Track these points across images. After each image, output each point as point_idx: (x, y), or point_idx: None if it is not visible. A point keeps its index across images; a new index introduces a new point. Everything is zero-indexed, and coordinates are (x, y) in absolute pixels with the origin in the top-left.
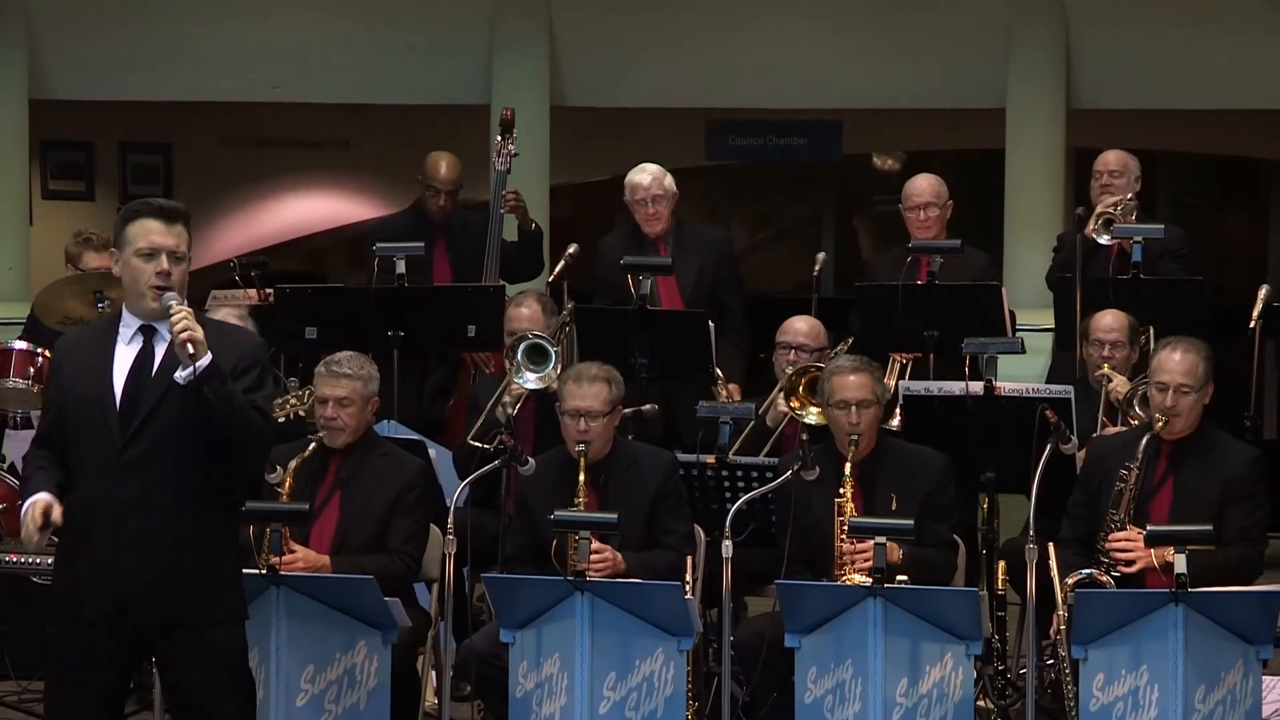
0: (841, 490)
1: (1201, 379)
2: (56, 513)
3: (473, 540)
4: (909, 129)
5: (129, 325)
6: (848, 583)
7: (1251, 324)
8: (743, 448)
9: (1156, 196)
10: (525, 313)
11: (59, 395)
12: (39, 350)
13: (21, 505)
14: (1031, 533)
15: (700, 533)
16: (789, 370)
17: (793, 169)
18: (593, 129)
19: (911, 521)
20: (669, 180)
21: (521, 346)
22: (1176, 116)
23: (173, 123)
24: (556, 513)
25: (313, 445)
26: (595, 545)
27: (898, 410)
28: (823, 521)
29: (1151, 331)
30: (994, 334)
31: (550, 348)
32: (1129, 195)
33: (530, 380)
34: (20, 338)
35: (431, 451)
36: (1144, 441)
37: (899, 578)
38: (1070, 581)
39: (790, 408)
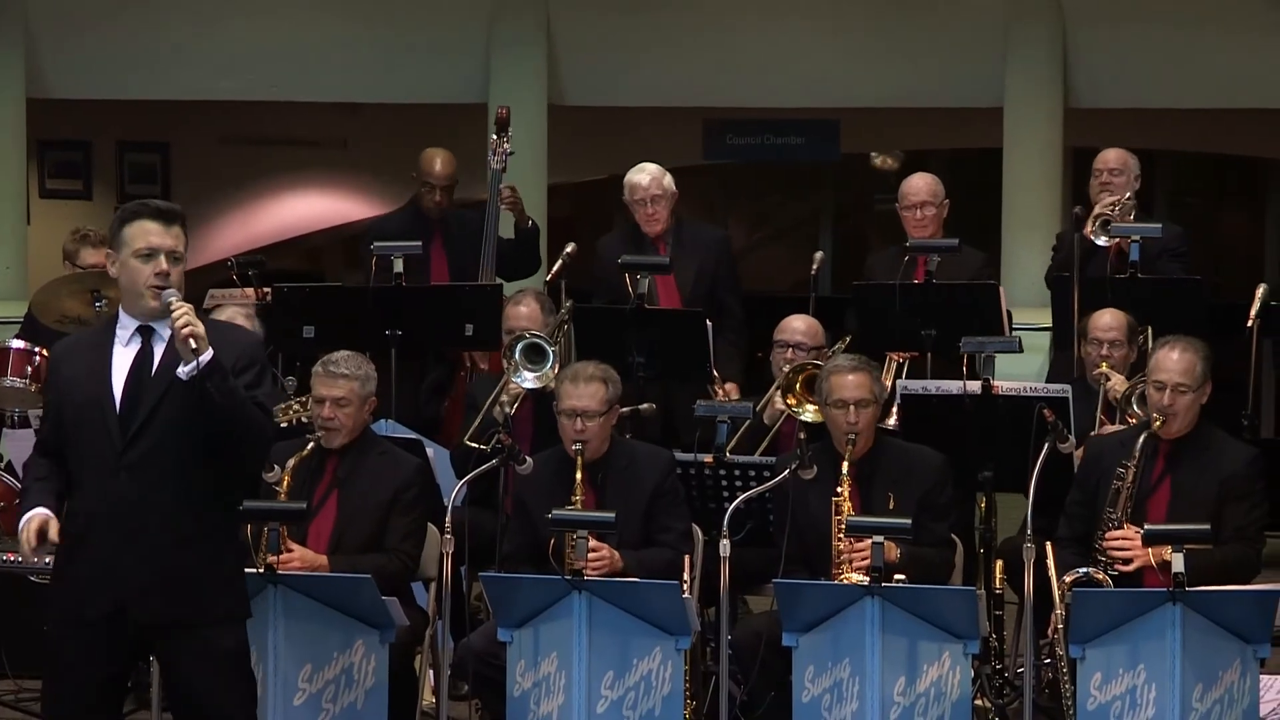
0: (839, 489)
1: (1199, 378)
2: (53, 530)
3: (470, 539)
4: (907, 128)
5: (126, 327)
6: (845, 582)
7: (1249, 323)
8: (740, 446)
9: (1154, 195)
10: (524, 311)
11: (57, 399)
12: (36, 349)
13: (20, 516)
14: (1029, 532)
15: (698, 532)
16: (786, 369)
17: (790, 168)
18: (591, 128)
19: (909, 521)
20: (668, 180)
21: (520, 346)
22: (1174, 115)
23: (170, 122)
24: (554, 512)
25: (311, 445)
26: (593, 544)
27: (894, 409)
28: (820, 520)
29: (1150, 331)
30: (991, 333)
31: (548, 347)
32: (1128, 194)
33: (528, 380)
34: (17, 336)
35: (429, 450)
36: (1141, 440)
37: (896, 577)
38: (1068, 580)
39: (787, 405)
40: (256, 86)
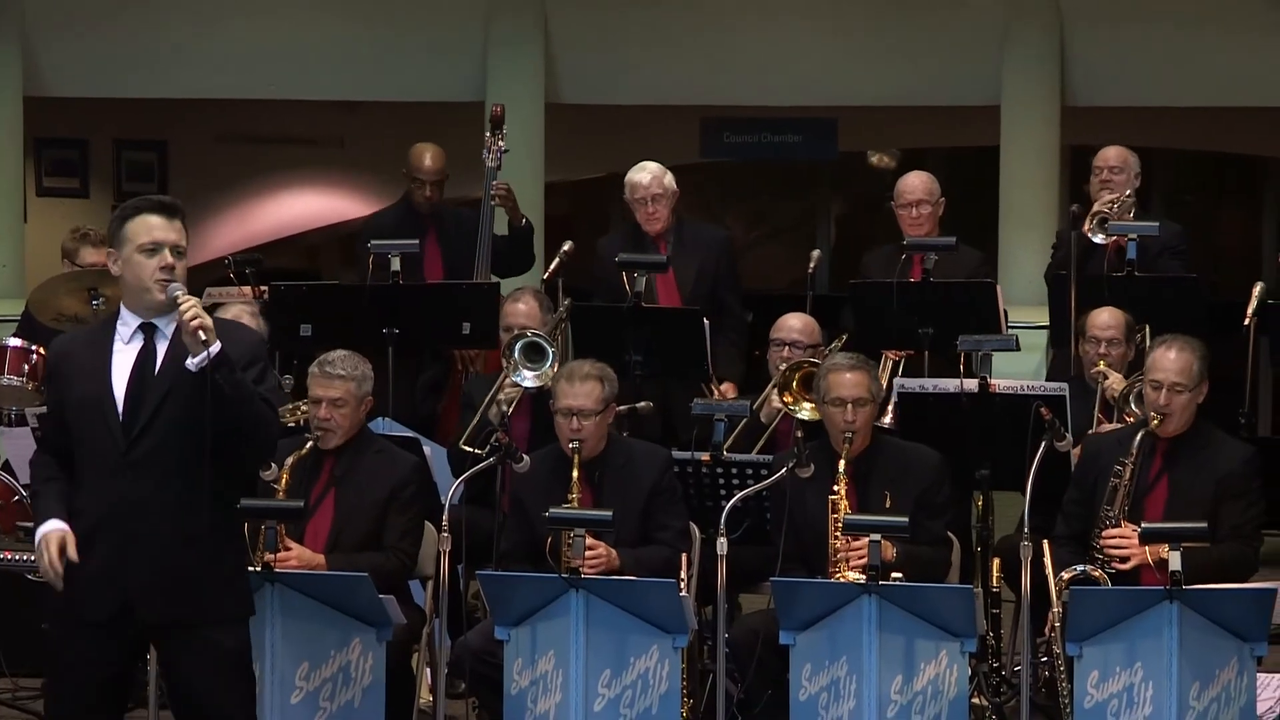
0: (836, 487)
1: (1196, 378)
2: (71, 550)
3: (467, 537)
4: (904, 126)
5: (128, 324)
6: (842, 580)
7: (1246, 321)
8: (737, 444)
9: (1151, 194)
10: (522, 309)
11: (58, 398)
12: (33, 347)
13: (35, 528)
14: (1026, 530)
15: (695, 530)
16: (783, 367)
17: (788, 166)
18: (588, 126)
19: (906, 519)
20: (669, 179)
21: (519, 345)
22: (1171, 114)
23: (167, 120)
24: (551, 510)
25: (310, 444)
26: (590, 542)
27: (889, 408)
28: (817, 519)
29: (1147, 329)
30: (989, 331)
31: (548, 346)
32: (1127, 192)
33: (528, 379)
34: (14, 335)
35: (426, 449)
36: (1138, 438)
37: (893, 575)
38: (1065, 577)
39: (784, 403)
40: (254, 85)
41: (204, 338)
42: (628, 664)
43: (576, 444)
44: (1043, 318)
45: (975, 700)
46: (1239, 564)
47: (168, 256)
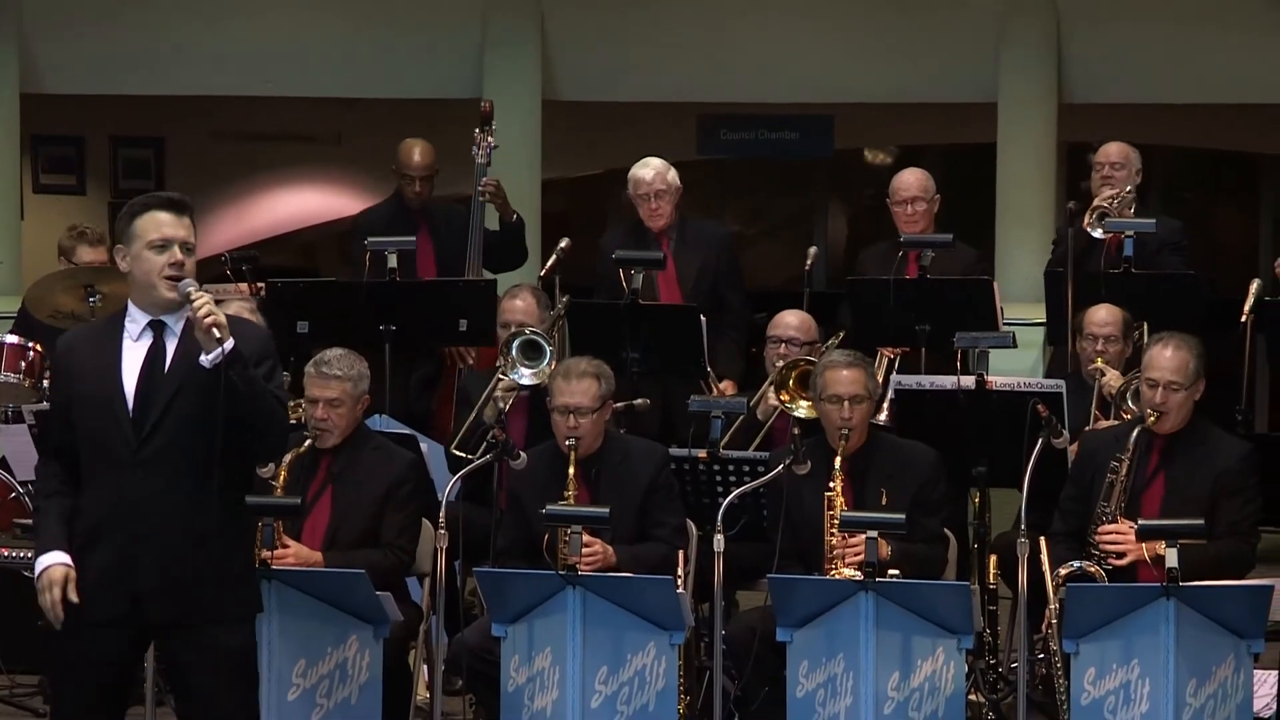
0: (832, 484)
1: (1192, 376)
2: (72, 590)
3: (464, 534)
4: (900, 124)
5: (136, 321)
6: (838, 577)
7: (1243, 318)
8: (733, 441)
9: (1148, 191)
10: (520, 305)
11: (65, 397)
12: (30, 344)
13: (35, 555)
14: (1023, 527)
15: (692, 527)
16: (780, 364)
17: (784, 164)
18: (585, 123)
19: (903, 516)
20: (672, 175)
21: (516, 342)
22: (1169, 111)
23: (164, 117)
24: (548, 507)
25: (308, 441)
26: (586, 539)
27: (884, 405)
28: (814, 516)
29: (1145, 326)
30: (985, 328)
31: (545, 344)
32: (1127, 188)
33: (525, 376)
34: (11, 331)
35: (423, 445)
36: (1135, 434)
37: (890, 572)
38: (1062, 573)
39: (780, 401)
40: (251, 81)
41: (218, 335)
42: (625, 661)
43: (573, 441)
44: (1040, 315)
45: (972, 697)
46: (1236, 561)
47: (177, 253)
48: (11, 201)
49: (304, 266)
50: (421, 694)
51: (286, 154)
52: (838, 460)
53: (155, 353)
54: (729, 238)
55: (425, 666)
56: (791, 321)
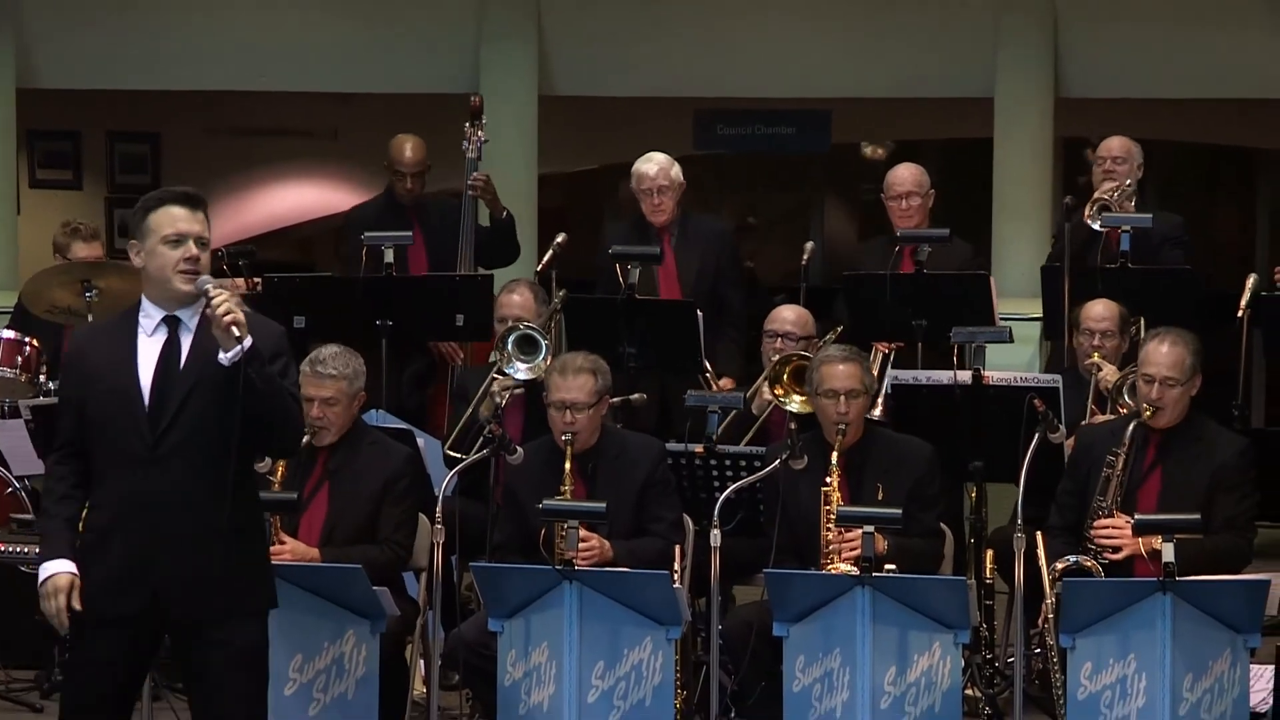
0: (828, 479)
1: (1188, 372)
2: (76, 599)
3: (461, 529)
4: (897, 119)
5: (151, 316)
6: (835, 572)
7: (1239, 313)
8: (725, 435)
9: (1145, 186)
10: (517, 299)
11: (78, 393)
12: (26, 339)
13: (40, 559)
14: (1019, 521)
15: (689, 521)
16: (775, 358)
17: (781, 159)
18: (581, 119)
19: (899, 511)
20: (676, 170)
21: (512, 337)
22: (1165, 106)
23: (160, 112)
24: (545, 502)
25: (305, 438)
26: (583, 534)
27: (879, 400)
28: (810, 511)
29: (1142, 321)
30: (982, 323)
31: (541, 339)
32: (1127, 181)
33: (521, 371)
34: (8, 327)
35: (420, 440)
36: (1131, 428)
37: (887, 567)
38: (1058, 567)
39: (774, 395)
40: (247, 77)
41: (238, 333)
42: (621, 656)
43: (570, 436)
44: (1036, 309)
45: (968, 692)
46: (1232, 555)
47: (192, 248)
48: (8, 197)
49: (301, 261)
50: (418, 689)
51: (283, 149)
52: (834, 455)
53: (170, 348)
54: (730, 234)
55: (422, 661)
56: (788, 316)
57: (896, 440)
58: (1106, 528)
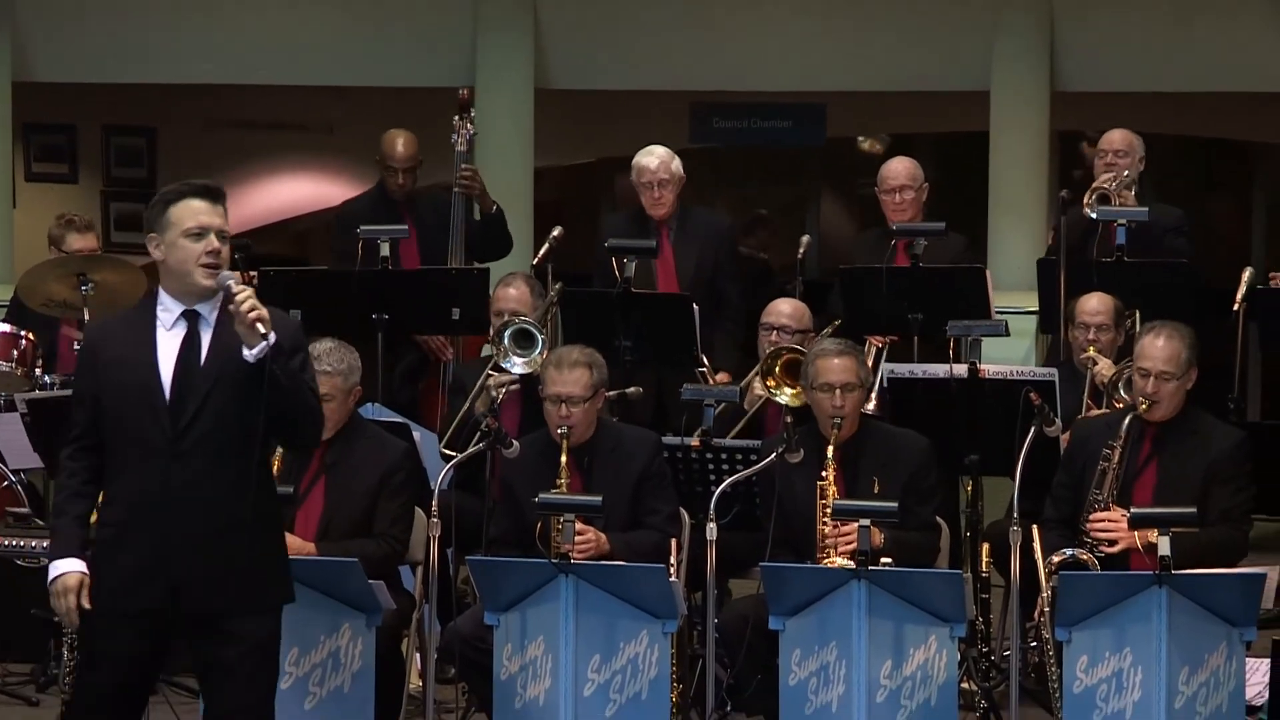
0: (824, 473)
1: (1183, 366)
2: (85, 597)
3: (457, 523)
4: (893, 112)
5: (170, 310)
6: (831, 565)
7: (1235, 306)
8: (716, 427)
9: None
10: (513, 293)
11: (95, 387)
12: (22, 333)
13: (50, 558)
14: (1015, 515)
15: (685, 515)
16: (768, 351)
17: (777, 152)
18: (577, 112)
19: (895, 504)
20: (676, 164)
21: (508, 331)
22: (1161, 99)
23: (157, 105)
24: (541, 495)
25: None
26: (579, 527)
27: (873, 394)
28: (806, 504)
29: (1138, 314)
30: (977, 317)
31: (537, 333)
32: (1125, 173)
33: (517, 365)
34: (4, 320)
35: (416, 434)
36: (1126, 421)
37: (883, 560)
38: (1054, 560)
39: (766, 388)
40: (243, 70)
41: (263, 330)
42: (617, 649)
43: (565, 430)
44: (1032, 303)
45: (964, 685)
46: (1228, 549)
47: (214, 241)
48: (3, 191)
49: (296, 255)
50: (414, 682)
51: (279, 143)
52: (830, 449)
53: (190, 342)
54: (729, 229)
55: (418, 655)
56: (785, 309)
57: (892, 434)
58: (1102, 521)
